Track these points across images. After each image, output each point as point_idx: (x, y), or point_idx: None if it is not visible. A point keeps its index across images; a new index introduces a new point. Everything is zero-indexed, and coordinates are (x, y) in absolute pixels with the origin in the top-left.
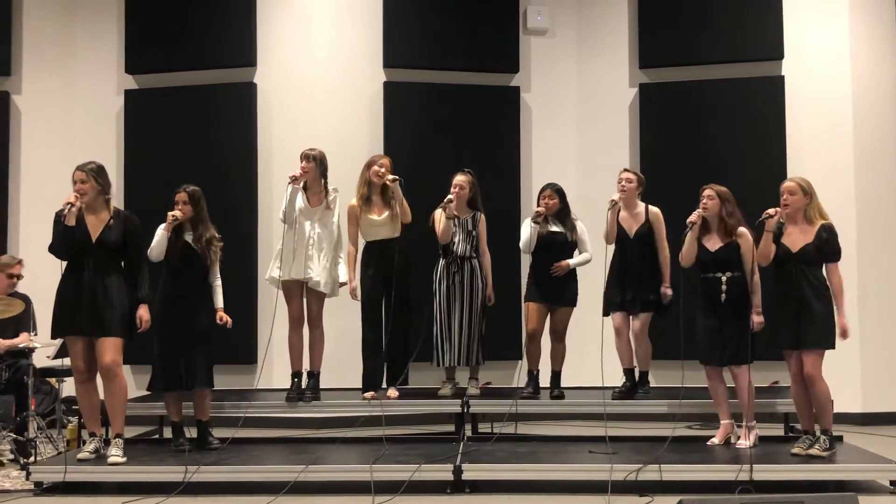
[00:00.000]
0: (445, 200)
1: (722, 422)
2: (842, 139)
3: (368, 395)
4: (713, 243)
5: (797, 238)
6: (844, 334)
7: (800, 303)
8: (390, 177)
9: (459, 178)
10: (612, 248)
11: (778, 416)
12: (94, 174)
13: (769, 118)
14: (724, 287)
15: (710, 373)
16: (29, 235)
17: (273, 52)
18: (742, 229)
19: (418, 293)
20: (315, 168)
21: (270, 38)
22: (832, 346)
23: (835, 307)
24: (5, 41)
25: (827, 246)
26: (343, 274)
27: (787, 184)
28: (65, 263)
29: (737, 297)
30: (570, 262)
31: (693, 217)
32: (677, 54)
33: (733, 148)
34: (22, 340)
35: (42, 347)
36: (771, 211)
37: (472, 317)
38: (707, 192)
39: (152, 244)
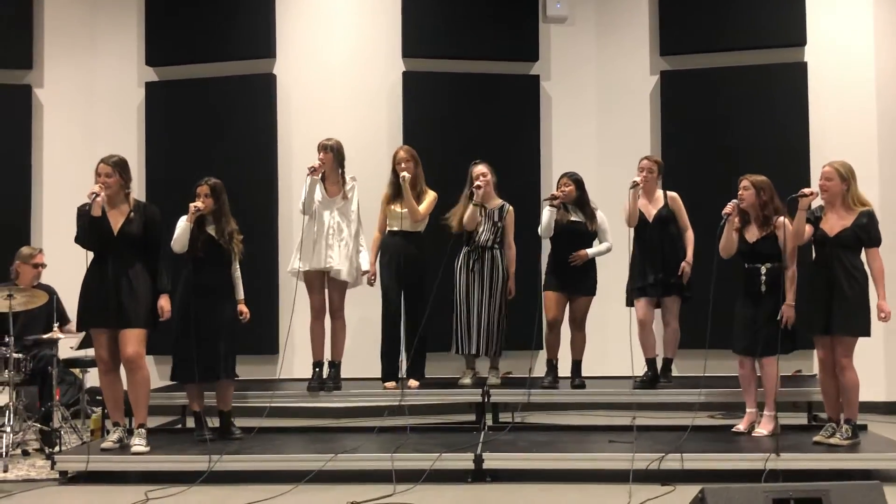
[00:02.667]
0: (473, 187)
1: (747, 410)
2: (865, 125)
3: (389, 384)
4: (752, 235)
5: (835, 223)
6: (886, 317)
7: (832, 288)
8: (402, 174)
9: (480, 168)
10: (633, 233)
11: (801, 404)
12: (119, 168)
13: (792, 105)
14: (763, 278)
15: (742, 361)
16: (51, 228)
17: (292, 44)
18: (781, 220)
19: (439, 283)
20: (332, 158)
21: (289, 30)
22: (866, 334)
23: (871, 293)
24: (26, 35)
25: (865, 231)
26: (365, 262)
27: (825, 168)
28: (88, 255)
29: (776, 288)
30: (589, 251)
31: (728, 208)
32: (699, 41)
33: (755, 135)
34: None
35: (65, 338)
36: (806, 190)
37: (491, 307)
38: (743, 182)
39: (175, 235)
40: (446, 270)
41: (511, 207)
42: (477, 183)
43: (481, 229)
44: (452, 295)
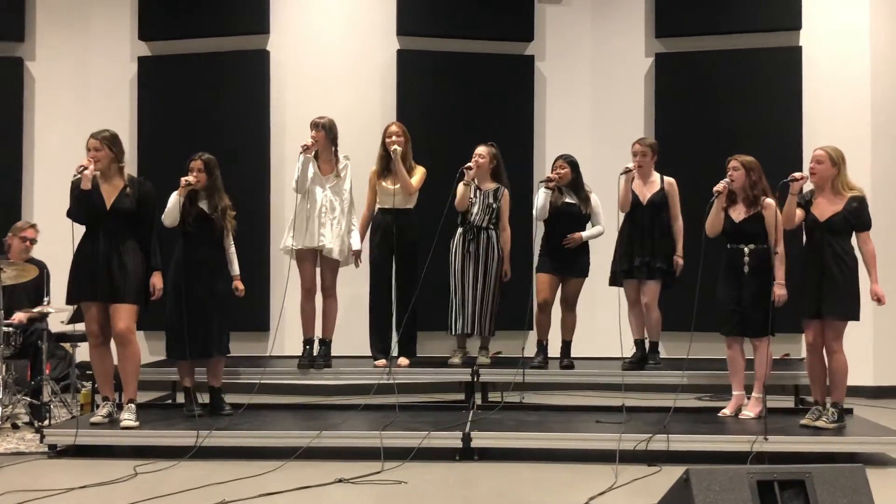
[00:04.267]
0: (464, 167)
1: (734, 393)
2: (858, 110)
3: (380, 362)
4: (738, 214)
5: (825, 208)
6: (880, 300)
7: (822, 272)
8: (393, 147)
9: (481, 149)
10: (623, 215)
11: (789, 388)
12: (108, 142)
13: (786, 89)
14: (746, 259)
15: (730, 343)
16: (43, 202)
17: (286, 20)
18: (768, 200)
19: (432, 263)
20: (325, 136)
21: (284, 6)
22: (855, 318)
23: (862, 279)
24: (19, 8)
25: (856, 216)
26: (356, 242)
27: (816, 152)
28: (79, 230)
29: (759, 269)
30: (583, 234)
31: (719, 186)
32: (694, 24)
33: (749, 118)
34: (37, 311)
35: (56, 312)
36: (797, 175)
37: (485, 287)
38: (732, 163)
39: (166, 209)
40: (441, 250)
41: (507, 191)
42: (469, 164)
43: (475, 209)
44: (447, 275)
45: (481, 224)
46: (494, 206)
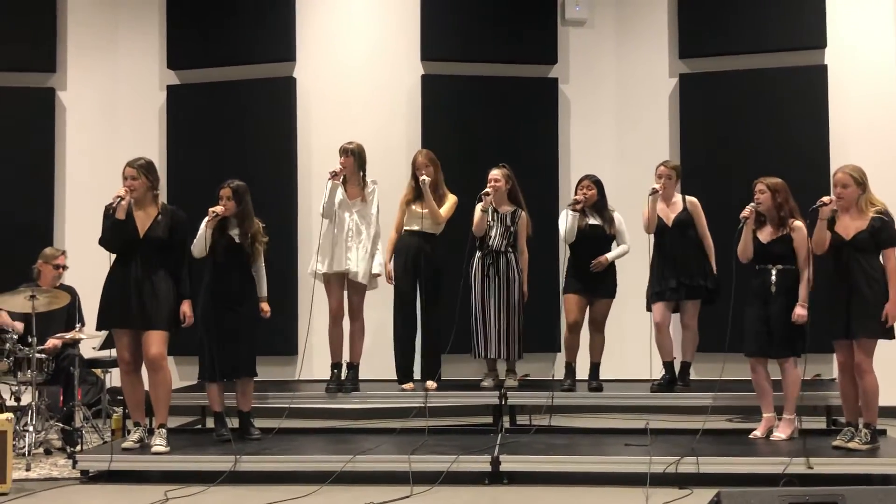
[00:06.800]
0: (482, 193)
1: (764, 415)
2: (886, 128)
3: (407, 386)
4: (766, 235)
5: (850, 226)
6: (889, 320)
7: (850, 291)
8: (422, 178)
9: (494, 172)
10: (652, 238)
11: (820, 409)
12: (144, 170)
13: (812, 108)
14: (773, 279)
15: (754, 365)
16: (74, 229)
17: (312, 47)
18: (797, 223)
19: (454, 287)
20: (353, 161)
21: (309, 33)
22: (888, 336)
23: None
24: (50, 38)
25: (881, 232)
26: (377, 265)
27: (838, 175)
28: (111, 256)
29: (787, 290)
30: (609, 256)
31: (745, 212)
32: (718, 44)
33: (775, 139)
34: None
35: (88, 339)
36: (826, 199)
37: (509, 310)
38: (758, 186)
39: (195, 240)
40: (463, 274)
41: (525, 213)
42: (487, 189)
43: (493, 233)
44: (469, 300)
45: (500, 248)
46: (512, 228)
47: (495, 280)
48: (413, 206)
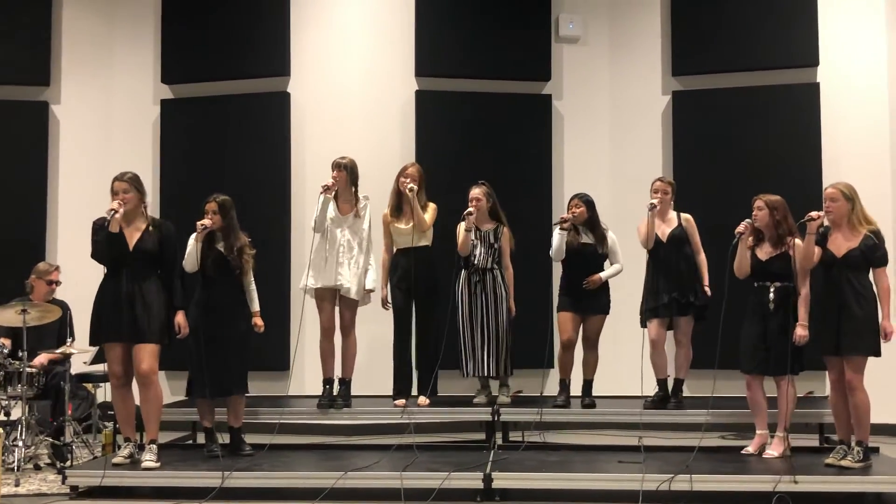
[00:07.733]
0: (465, 213)
1: (758, 432)
2: (878, 145)
3: (399, 402)
4: (764, 253)
5: (841, 243)
6: (887, 336)
7: (841, 308)
8: (409, 186)
9: (475, 191)
10: (647, 254)
11: (813, 426)
12: (135, 183)
13: (804, 126)
14: (771, 296)
15: (750, 382)
16: (66, 243)
17: (306, 63)
18: (796, 240)
19: (445, 303)
20: (346, 176)
21: (304, 49)
22: (875, 353)
23: (880, 312)
24: (44, 52)
25: (873, 251)
26: (370, 281)
27: (829, 190)
28: (103, 270)
29: (785, 308)
30: (602, 275)
31: (740, 228)
32: (711, 62)
33: (768, 156)
34: (60, 352)
35: (79, 353)
36: (814, 214)
37: (498, 327)
38: (757, 202)
39: (185, 255)
40: (451, 292)
41: (506, 228)
42: (469, 209)
43: (478, 251)
44: (456, 319)
45: (486, 266)
46: (496, 245)
47: (482, 297)
48: (398, 224)
